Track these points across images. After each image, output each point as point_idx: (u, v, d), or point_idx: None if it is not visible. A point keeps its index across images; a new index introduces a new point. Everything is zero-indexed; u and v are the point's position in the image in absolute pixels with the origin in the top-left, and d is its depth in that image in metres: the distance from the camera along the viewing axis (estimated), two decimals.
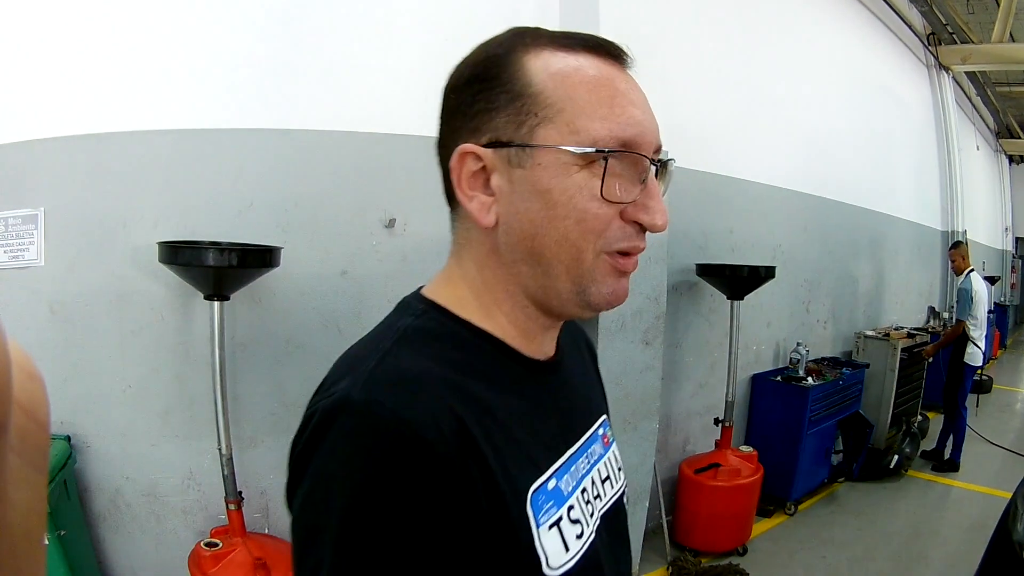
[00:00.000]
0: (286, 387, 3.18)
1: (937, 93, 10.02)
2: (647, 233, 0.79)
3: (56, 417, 2.68)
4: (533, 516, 0.74)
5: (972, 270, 6.56)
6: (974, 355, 6.33)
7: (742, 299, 4.53)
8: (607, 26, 3.53)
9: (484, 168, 0.77)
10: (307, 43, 3.13)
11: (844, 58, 6.92)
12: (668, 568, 4.14)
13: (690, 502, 4.40)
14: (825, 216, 6.34)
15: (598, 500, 0.88)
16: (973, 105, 13.14)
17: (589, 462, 0.88)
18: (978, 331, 6.32)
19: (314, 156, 3.15)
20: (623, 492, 0.97)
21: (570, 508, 0.80)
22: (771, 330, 5.62)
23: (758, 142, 5.26)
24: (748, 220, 5.12)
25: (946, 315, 9.13)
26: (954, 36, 9.88)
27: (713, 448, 4.61)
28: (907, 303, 8.79)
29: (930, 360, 6.71)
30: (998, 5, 9.02)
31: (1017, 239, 18.65)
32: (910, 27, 8.85)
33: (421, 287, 0.87)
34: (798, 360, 5.30)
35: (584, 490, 0.85)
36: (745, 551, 4.45)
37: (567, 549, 0.77)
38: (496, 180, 0.77)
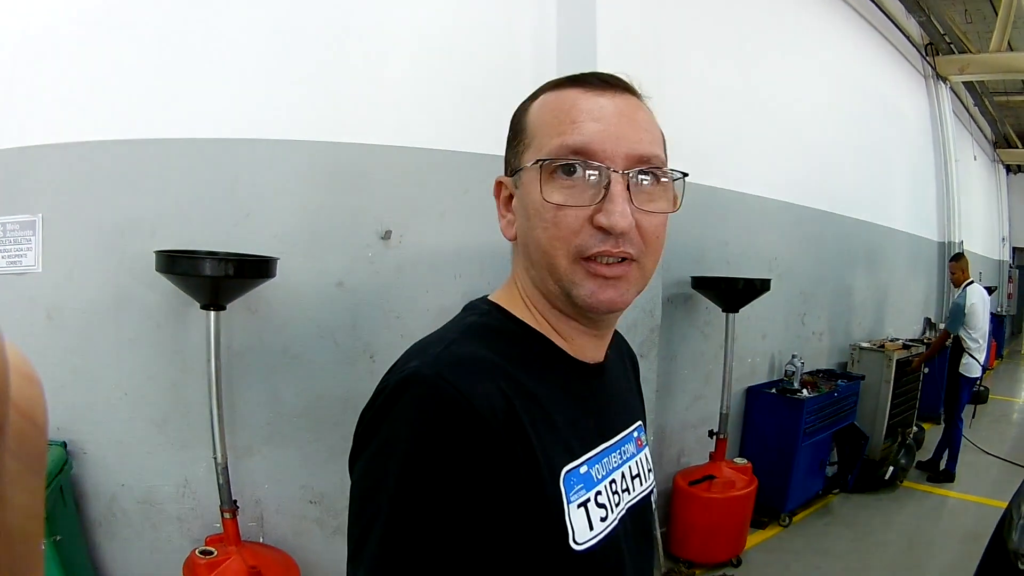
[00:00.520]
0: (281, 397, 3.20)
1: (934, 103, 10.04)
2: (631, 240, 0.85)
3: (53, 423, 2.70)
4: (565, 493, 0.82)
5: (971, 282, 6.60)
6: (970, 366, 6.36)
7: (737, 311, 4.56)
8: (604, 39, 3.55)
9: (510, 194, 0.93)
10: (306, 54, 3.15)
11: (841, 69, 6.95)
12: None
13: (684, 514, 4.42)
14: (821, 228, 6.38)
15: (626, 493, 0.96)
16: (971, 115, 13.16)
17: (622, 458, 0.97)
18: (976, 344, 6.36)
19: (312, 167, 3.18)
20: (651, 491, 1.04)
21: (598, 493, 0.88)
22: (766, 342, 5.66)
23: (754, 154, 5.28)
24: (744, 232, 5.15)
25: (942, 327, 9.14)
26: (952, 46, 9.91)
27: (708, 460, 4.63)
28: (903, 315, 8.81)
29: (926, 371, 6.75)
30: (996, 14, 9.07)
31: (1015, 249, 18.71)
32: (908, 38, 8.89)
33: (487, 295, 0.98)
34: (793, 372, 5.33)
35: (613, 481, 0.93)
36: (739, 562, 4.48)
37: (591, 528, 0.84)
38: (514, 202, 0.92)
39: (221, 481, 2.86)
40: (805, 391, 5.32)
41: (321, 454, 3.23)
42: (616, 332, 1.05)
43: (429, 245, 3.37)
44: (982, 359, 6.47)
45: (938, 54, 9.86)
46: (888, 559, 4.75)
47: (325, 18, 3.17)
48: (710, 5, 4.90)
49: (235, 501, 2.91)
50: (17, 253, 2.99)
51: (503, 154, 0.95)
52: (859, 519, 5.46)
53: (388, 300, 3.29)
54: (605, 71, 0.92)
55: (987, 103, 13.37)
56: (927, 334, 9.09)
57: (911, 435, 6.66)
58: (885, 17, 7.99)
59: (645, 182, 0.85)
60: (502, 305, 0.94)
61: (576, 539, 0.82)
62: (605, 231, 0.83)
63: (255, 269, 2.80)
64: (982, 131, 14.56)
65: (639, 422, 1.07)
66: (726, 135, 4.92)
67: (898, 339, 7.18)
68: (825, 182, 6.47)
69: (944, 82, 10.15)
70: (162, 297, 3.00)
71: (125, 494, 3.07)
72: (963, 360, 6.34)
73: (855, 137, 7.29)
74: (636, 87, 0.91)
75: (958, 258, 6.98)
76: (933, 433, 7.23)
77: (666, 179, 0.88)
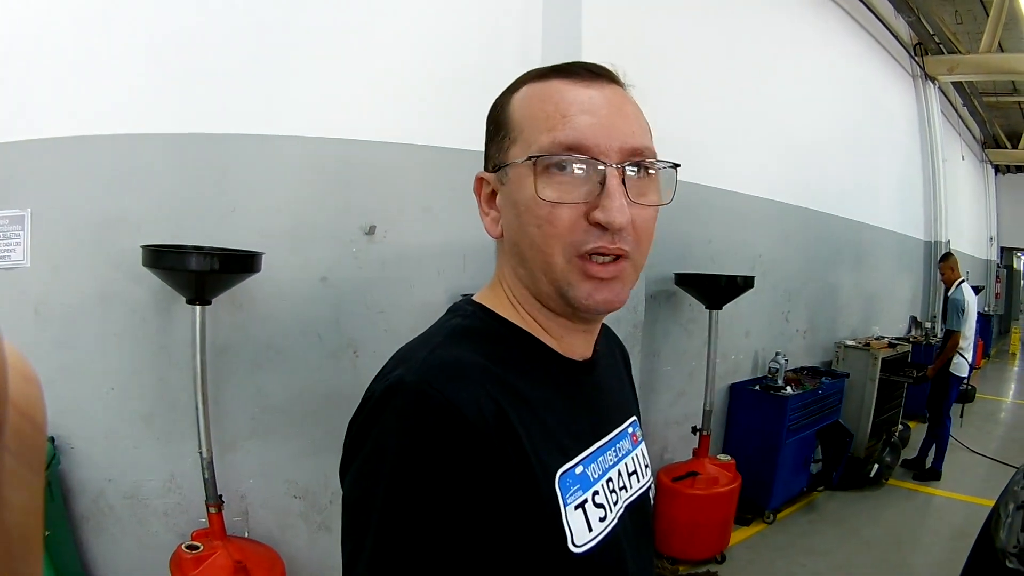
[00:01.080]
0: (266, 392, 3.24)
1: (923, 103, 10.10)
2: (626, 236, 0.84)
3: None
4: (561, 496, 0.82)
5: (963, 281, 6.64)
6: (959, 365, 6.41)
7: (720, 308, 4.61)
8: (589, 34, 3.61)
9: (493, 190, 0.91)
10: (292, 50, 3.19)
11: (829, 69, 7.01)
12: None
13: (668, 510, 4.45)
14: (806, 226, 6.44)
15: (623, 491, 0.96)
16: (959, 115, 13.23)
17: (617, 455, 0.97)
18: (965, 342, 6.40)
19: (297, 162, 3.22)
20: (648, 487, 1.05)
21: (595, 493, 0.88)
22: (750, 339, 5.70)
23: (741, 151, 5.32)
24: (729, 230, 5.20)
25: (928, 325, 9.21)
26: (941, 46, 9.95)
27: (691, 457, 4.67)
28: (889, 313, 8.86)
29: (915, 372, 6.77)
30: (987, 15, 9.14)
31: (1002, 249, 18.84)
32: (896, 38, 8.95)
33: (471, 294, 0.98)
34: (777, 369, 5.38)
35: (610, 479, 0.92)
36: (723, 559, 4.52)
37: (590, 529, 0.84)
38: (498, 198, 0.91)
39: (207, 476, 2.90)
40: (789, 388, 5.36)
41: (305, 449, 3.25)
42: (604, 325, 1.04)
43: (413, 241, 3.41)
44: (970, 358, 6.54)
45: (927, 54, 9.91)
46: (874, 557, 4.79)
47: (312, 14, 3.21)
48: (697, 1, 4.95)
49: (220, 496, 2.94)
50: (6, 248, 3.01)
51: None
52: (844, 516, 5.50)
53: (372, 295, 3.33)
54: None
55: (976, 103, 13.43)
56: (913, 332, 9.16)
57: (897, 433, 6.69)
58: (874, 17, 8.04)
59: (637, 175, 0.85)
60: (487, 305, 0.92)
61: (575, 541, 0.82)
62: (601, 227, 0.82)
63: (240, 264, 2.83)
64: (971, 131, 14.63)
65: (633, 417, 1.07)
66: (712, 132, 4.96)
67: (884, 337, 7.22)
68: (811, 180, 6.52)
69: (933, 82, 10.22)
70: (149, 292, 3.03)
71: (112, 489, 3.09)
72: (954, 359, 6.38)
73: (842, 136, 7.35)
74: (620, 76, 0.90)
75: (947, 258, 7.02)
76: (919, 431, 7.25)
77: (654, 171, 0.87)
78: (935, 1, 9.25)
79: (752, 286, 4.65)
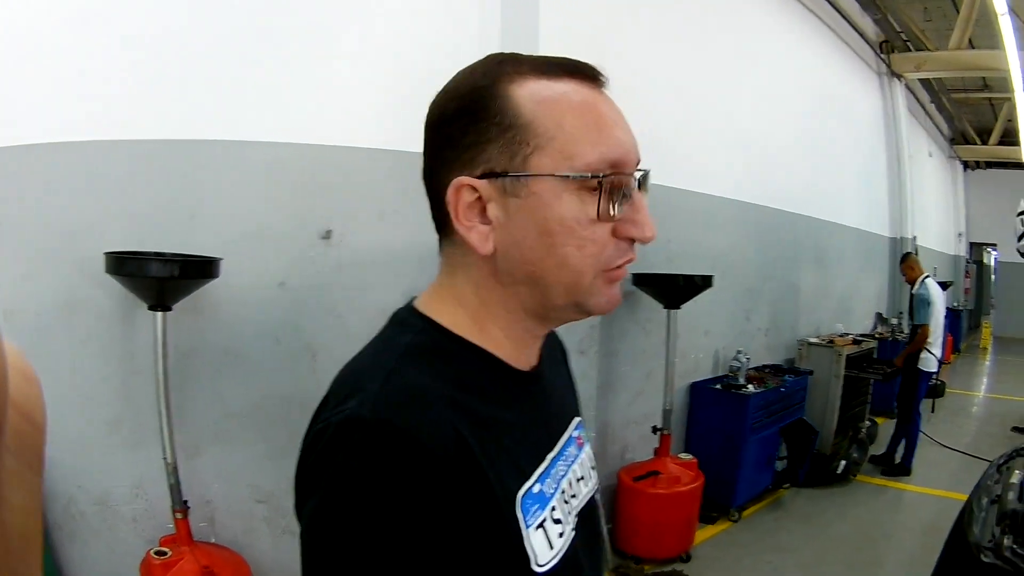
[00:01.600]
0: (227, 397, 3.29)
1: (888, 100, 10.27)
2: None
3: None
4: (522, 519, 0.80)
5: (927, 276, 6.76)
6: (928, 361, 6.52)
7: (678, 308, 4.66)
8: (547, 37, 3.68)
9: (480, 199, 0.81)
10: (250, 56, 3.22)
11: (792, 66, 7.10)
12: (611, 575, 4.25)
13: (630, 509, 4.52)
14: (768, 225, 6.54)
15: (574, 499, 0.94)
16: (926, 112, 13.44)
17: (567, 464, 0.95)
18: (932, 337, 6.50)
19: (257, 168, 3.26)
20: (596, 490, 1.03)
21: (552, 509, 0.86)
22: (709, 338, 5.77)
23: (701, 152, 5.39)
24: (688, 230, 5.26)
25: (894, 321, 9.34)
26: (909, 44, 10.11)
27: (652, 456, 4.72)
28: (854, 310, 8.98)
29: (885, 368, 6.87)
30: (957, 12, 9.28)
31: (971, 244, 19.12)
32: (862, 35, 9.09)
33: (413, 299, 0.92)
34: (738, 368, 5.45)
35: (563, 491, 0.90)
36: (689, 558, 4.57)
37: (551, 547, 0.83)
38: (493, 210, 0.81)
39: (172, 481, 2.95)
40: (751, 386, 5.42)
41: (267, 453, 3.28)
42: None
43: (369, 245, 3.45)
44: (939, 353, 6.65)
45: (893, 51, 10.07)
46: (845, 553, 4.84)
47: (273, 21, 3.28)
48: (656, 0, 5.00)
49: (185, 501, 2.99)
50: None
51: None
52: (811, 513, 5.55)
53: (329, 300, 3.37)
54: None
55: (944, 100, 13.64)
56: (878, 329, 9.28)
57: (864, 429, 6.78)
58: (839, 15, 8.18)
59: None
60: (435, 319, 0.87)
61: (538, 562, 0.80)
62: (630, 241, 0.83)
63: (199, 270, 2.90)
64: (938, 127, 14.87)
65: (577, 419, 1.05)
66: (672, 132, 5.00)
67: (848, 334, 7.33)
68: (773, 179, 6.61)
69: (899, 79, 10.39)
70: (113, 299, 3.07)
71: (82, 496, 3.13)
72: (922, 355, 6.48)
73: (806, 134, 7.44)
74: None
75: (906, 258, 7.15)
76: (887, 427, 7.35)
77: None
78: None
79: (711, 285, 4.71)
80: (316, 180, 3.35)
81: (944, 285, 8.98)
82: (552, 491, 0.88)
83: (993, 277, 21.45)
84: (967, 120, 15.67)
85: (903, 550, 4.95)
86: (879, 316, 9.82)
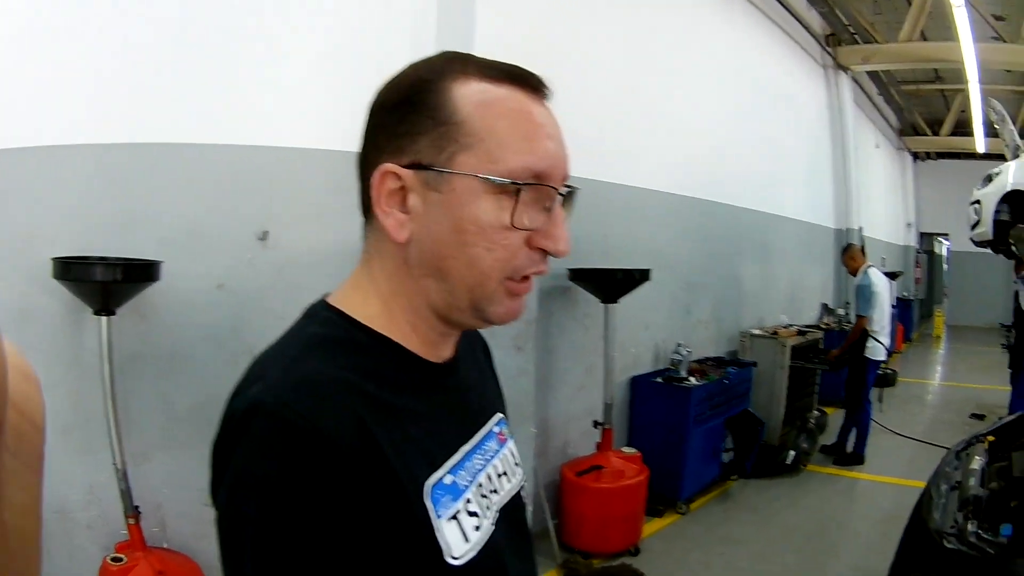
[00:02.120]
0: (172, 401, 3.36)
1: (833, 93, 10.51)
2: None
3: None
4: (432, 509, 0.82)
5: (870, 266, 6.94)
6: (875, 350, 6.65)
7: (616, 302, 4.73)
8: (483, 37, 3.73)
9: (403, 187, 0.84)
10: (188, 60, 3.28)
11: (734, 61, 7.26)
12: (559, 570, 4.29)
13: (575, 504, 4.59)
14: (708, 218, 6.65)
15: (495, 494, 0.95)
16: (874, 104, 13.74)
17: (485, 458, 0.96)
18: (879, 326, 6.65)
19: (193, 170, 3.33)
20: (521, 487, 1.05)
21: (467, 501, 0.88)
22: (649, 332, 5.85)
23: (640, 148, 5.58)
24: (625, 225, 5.34)
25: (841, 311, 9.51)
26: (856, 36, 10.34)
27: (594, 451, 4.80)
28: (798, 301, 9.14)
29: (834, 360, 6.94)
30: (908, 4, 9.52)
31: (922, 234, 19.54)
32: (807, 29, 9.30)
33: (327, 295, 0.93)
34: (679, 361, 5.52)
35: (480, 485, 0.92)
36: (638, 551, 4.62)
37: (466, 540, 0.85)
38: (413, 200, 0.84)
39: (123, 487, 3.02)
40: (693, 379, 5.49)
41: None
42: None
43: (306, 245, 3.49)
44: (887, 342, 6.81)
45: (840, 44, 10.28)
46: (798, 543, 4.92)
47: (209, 25, 3.34)
48: None
49: (137, 507, 3.06)
50: None
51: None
52: (762, 504, 5.63)
53: (268, 301, 3.39)
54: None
55: (893, 92, 13.98)
56: (824, 319, 9.46)
57: (813, 419, 6.90)
58: (782, 7, 8.35)
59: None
60: (344, 310, 0.89)
61: (452, 554, 0.82)
62: (543, 253, 0.85)
63: (141, 273, 2.98)
64: (886, 119, 15.18)
65: (499, 415, 1.07)
66: (610, 128, 5.07)
67: (793, 325, 7.50)
68: (715, 172, 6.82)
69: (845, 72, 10.62)
70: (62, 304, 3.15)
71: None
72: (868, 343, 6.60)
73: (748, 128, 7.59)
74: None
75: (847, 249, 7.31)
76: (836, 417, 7.46)
77: None
78: None
79: (648, 279, 4.79)
80: (253, 181, 3.42)
81: (893, 275, 9.13)
82: (467, 483, 0.89)
83: (945, 266, 21.97)
84: (918, 112, 16.05)
85: (859, 539, 5.03)
86: (825, 307, 10.01)
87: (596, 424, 4.79)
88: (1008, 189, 7.31)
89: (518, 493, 1.04)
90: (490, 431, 1.01)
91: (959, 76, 10.76)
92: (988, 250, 8.73)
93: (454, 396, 0.96)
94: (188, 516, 3.34)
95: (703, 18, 6.66)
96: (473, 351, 1.09)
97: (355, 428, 0.76)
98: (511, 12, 3.99)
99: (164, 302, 3.25)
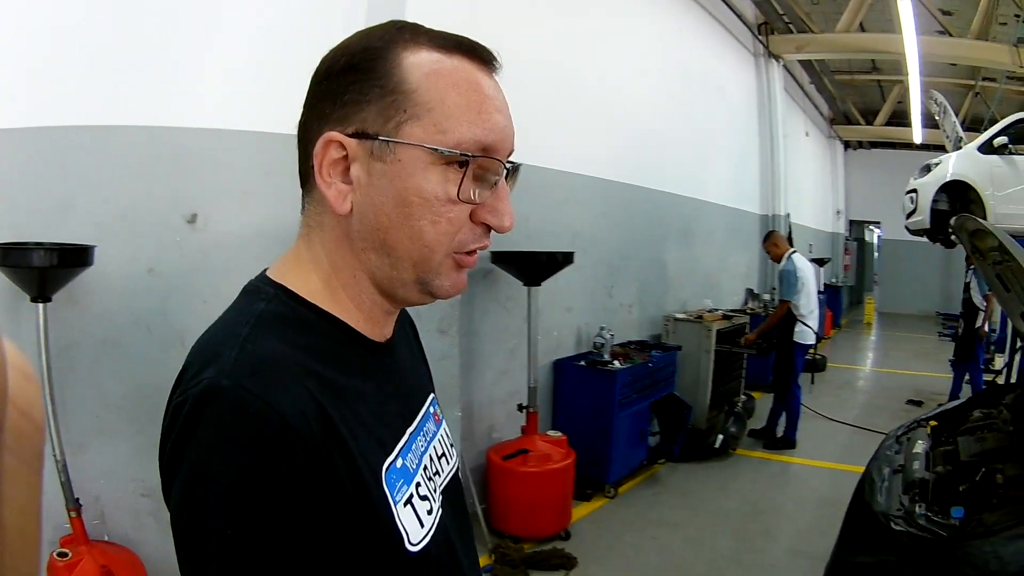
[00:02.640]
0: (105, 389, 3.36)
1: (764, 81, 10.81)
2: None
3: None
4: (390, 494, 0.82)
5: (794, 252, 7.12)
6: (804, 334, 6.81)
7: (539, 285, 4.79)
8: (414, 12, 3.64)
9: (346, 157, 0.83)
10: (116, 40, 3.26)
11: (663, 46, 7.46)
12: (490, 555, 4.31)
13: (502, 489, 4.64)
14: (632, 203, 6.80)
15: (437, 476, 0.97)
16: (805, 92, 14.12)
17: (426, 440, 0.97)
18: (807, 310, 6.81)
19: (122, 152, 3.32)
20: (458, 467, 1.07)
21: (417, 485, 0.88)
22: (571, 315, 5.95)
23: (563, 131, 5.63)
24: (547, 208, 5.40)
25: (767, 296, 9.75)
26: (791, 26, 10.66)
27: (520, 434, 4.86)
28: (723, 286, 9.36)
29: (761, 344, 7.14)
30: None
31: (852, 222, 20.16)
32: (740, 17, 9.55)
33: (266, 269, 0.92)
34: (602, 344, 5.62)
35: (425, 467, 0.93)
36: (568, 535, 4.68)
37: (422, 525, 0.86)
38: (356, 170, 0.83)
39: (63, 479, 3.02)
40: (617, 362, 5.58)
41: (146, 446, 3.04)
42: None
43: (232, 228, 3.52)
44: (815, 326, 6.98)
45: (773, 33, 10.59)
46: (732, 526, 5.04)
47: (134, 5, 3.33)
48: None
49: (78, 499, 3.07)
50: None
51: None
52: (692, 488, 5.77)
53: (195, 285, 3.42)
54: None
55: (826, 81, 14.43)
56: (749, 304, 9.73)
57: (740, 404, 7.11)
58: None
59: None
60: (288, 285, 0.87)
61: (411, 540, 0.83)
62: (487, 228, 0.86)
63: (76, 258, 3.00)
64: (818, 108, 15.65)
65: (432, 395, 1.08)
66: (533, 111, 4.90)
67: (717, 310, 7.73)
68: (640, 158, 6.99)
69: (777, 60, 10.93)
70: (1, 292, 3.15)
71: None
72: (796, 328, 6.76)
73: (675, 114, 7.80)
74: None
75: (769, 236, 7.50)
76: (764, 402, 7.66)
77: None
78: None
79: (572, 262, 4.89)
80: (181, 164, 3.42)
81: (821, 262, 9.39)
82: (415, 466, 0.90)
83: (876, 254, 22.67)
84: (851, 101, 16.55)
85: (797, 521, 5.15)
86: (750, 292, 10.28)
87: (521, 407, 4.85)
88: (948, 179, 7.62)
89: (456, 474, 1.05)
90: (427, 412, 1.02)
91: (898, 67, 11.11)
92: (924, 239, 9.05)
93: (395, 376, 0.96)
94: (126, 508, 3.35)
95: (633, 4, 6.78)
96: (402, 326, 1.07)
97: (314, 412, 0.75)
98: None
99: (98, 287, 3.26)
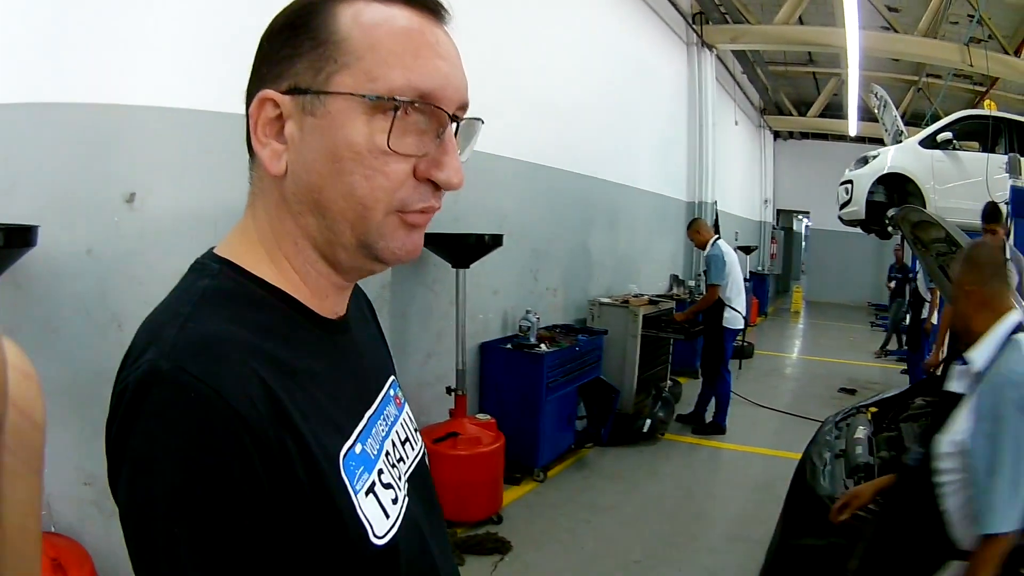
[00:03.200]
0: (46, 375, 3.16)
1: (695, 70, 11.09)
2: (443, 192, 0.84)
3: None
4: (349, 483, 0.78)
5: (718, 238, 7.33)
6: (733, 319, 7.04)
7: (468, 267, 4.88)
8: None
9: (281, 116, 0.79)
10: (57, 15, 3.21)
11: (593, 31, 7.62)
12: None
13: (433, 472, 4.47)
14: (557, 186, 6.93)
15: (402, 463, 0.93)
16: (737, 82, 14.50)
17: (387, 424, 0.93)
18: (734, 294, 7.04)
19: (60, 130, 3.28)
20: (423, 454, 1.05)
21: (380, 472, 0.84)
22: (498, 298, 6.04)
23: (488, 112, 5.49)
24: (473, 190, 5.37)
25: (692, 283, 10.05)
26: (727, 16, 10.98)
27: (449, 417, 4.92)
28: (649, 271, 9.56)
29: (688, 328, 7.30)
30: None
31: (780, 211, 20.77)
32: (675, 6, 9.79)
33: (213, 247, 0.87)
34: (528, 328, 5.70)
35: (388, 453, 0.89)
36: (500, 519, 4.76)
37: (387, 516, 0.82)
38: (290, 128, 0.79)
39: None
40: (543, 346, 5.68)
41: (86, 433, 3.18)
42: None
43: (172, 208, 3.49)
44: (743, 310, 7.23)
45: (707, 23, 10.88)
46: (666, 509, 5.20)
47: None
48: None
49: None
50: None
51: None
52: (621, 471, 5.90)
53: (132, 266, 3.39)
54: None
55: (759, 72, 14.83)
56: (675, 290, 9.98)
57: (667, 388, 7.36)
58: None
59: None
60: (234, 260, 0.83)
61: (375, 532, 0.79)
62: (433, 185, 0.81)
63: (20, 238, 2.92)
64: (749, 98, 16.06)
65: (392, 377, 1.05)
66: None
67: (643, 295, 7.84)
68: (566, 141, 7.10)
69: (710, 50, 11.23)
70: None
71: None
72: (725, 314, 6.97)
73: (603, 99, 7.95)
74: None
75: (692, 224, 7.73)
76: (691, 387, 7.89)
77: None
78: None
79: (500, 244, 4.95)
80: (119, 142, 3.37)
81: (747, 249, 9.64)
82: (376, 453, 0.86)
83: (804, 243, 23.36)
84: (784, 92, 17.05)
85: (732, 506, 5.29)
86: (674, 277, 10.51)
87: (449, 390, 4.93)
88: (886, 171, 7.94)
89: (422, 460, 1.03)
90: (387, 395, 0.99)
91: (835, 61, 11.45)
92: (856, 229, 9.36)
93: (351, 357, 0.92)
94: (68, 497, 3.33)
95: None
96: (359, 305, 1.05)
97: (260, 394, 0.71)
98: None
99: (39, 270, 3.22)
